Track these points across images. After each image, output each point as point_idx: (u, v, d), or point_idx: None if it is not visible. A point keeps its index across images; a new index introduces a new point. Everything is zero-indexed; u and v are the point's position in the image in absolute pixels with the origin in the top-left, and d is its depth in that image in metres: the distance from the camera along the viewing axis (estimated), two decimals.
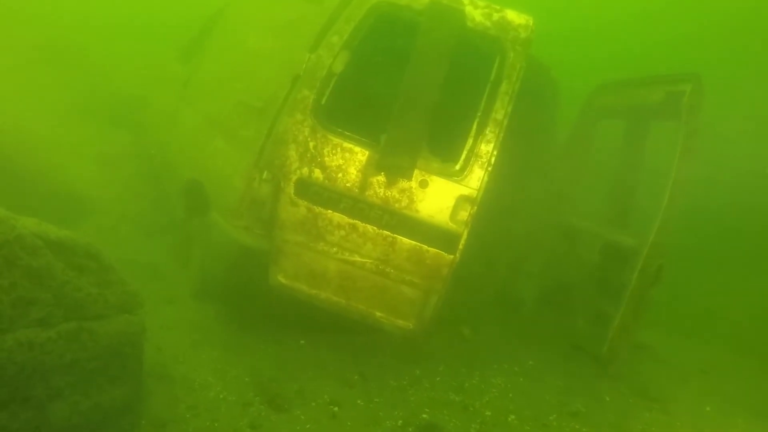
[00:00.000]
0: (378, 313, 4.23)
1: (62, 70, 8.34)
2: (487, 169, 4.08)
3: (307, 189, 4.09)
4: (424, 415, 4.07)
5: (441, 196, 4.06)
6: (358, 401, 4.07)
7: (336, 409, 3.92)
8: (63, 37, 9.10)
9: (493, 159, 4.09)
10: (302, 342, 4.57)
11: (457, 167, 4.10)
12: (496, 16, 4.20)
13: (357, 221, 4.09)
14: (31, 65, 7.92)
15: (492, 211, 4.47)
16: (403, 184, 4.05)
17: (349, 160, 4.07)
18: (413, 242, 4.10)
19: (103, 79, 8.74)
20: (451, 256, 4.10)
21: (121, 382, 3.29)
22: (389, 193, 4.06)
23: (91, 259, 3.21)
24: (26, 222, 2.90)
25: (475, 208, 4.07)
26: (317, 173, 4.08)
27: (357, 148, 4.08)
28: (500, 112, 4.12)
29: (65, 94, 7.84)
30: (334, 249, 4.13)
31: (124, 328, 3.27)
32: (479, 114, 4.16)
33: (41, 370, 2.82)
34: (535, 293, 6.24)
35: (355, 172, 4.06)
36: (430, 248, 4.10)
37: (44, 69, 8.09)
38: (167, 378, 3.77)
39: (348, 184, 4.07)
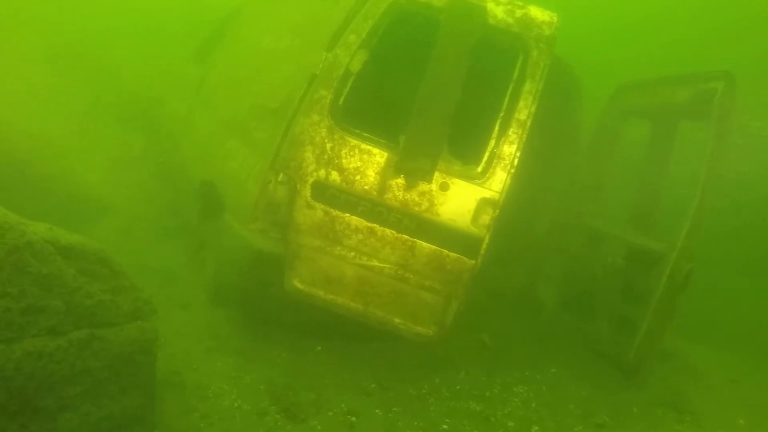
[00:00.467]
0: (396, 320, 4.10)
1: (76, 73, 8.32)
2: (509, 172, 3.96)
3: (324, 192, 3.97)
4: (445, 426, 3.94)
5: (462, 199, 3.93)
6: (377, 411, 3.94)
7: (354, 419, 3.79)
8: (77, 40, 9.09)
9: (516, 161, 3.97)
10: (318, 348, 4.45)
11: (479, 169, 3.98)
12: (519, 12, 4.08)
13: (375, 225, 3.97)
14: (45, 68, 7.91)
15: (512, 212, 4.33)
16: (423, 186, 3.93)
17: (367, 162, 3.95)
18: (433, 247, 3.98)
19: (117, 81, 8.71)
20: (473, 261, 3.97)
21: (133, 391, 3.20)
22: (409, 196, 3.94)
23: (102, 265, 3.13)
24: (37, 227, 2.82)
25: (497, 211, 3.95)
26: (334, 175, 3.96)
27: (375, 150, 3.95)
28: (523, 112, 4.00)
29: (79, 97, 7.82)
30: (352, 253, 4.01)
31: (137, 335, 3.18)
32: (502, 114, 4.04)
33: (51, 380, 2.74)
34: (556, 298, 6.07)
35: (373, 174, 3.94)
36: (450, 253, 3.98)
37: (58, 72, 8.07)
38: (180, 386, 3.68)
39: (366, 187, 3.94)
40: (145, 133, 7.67)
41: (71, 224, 4.85)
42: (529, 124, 4.00)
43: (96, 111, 7.69)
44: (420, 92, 3.86)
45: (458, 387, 4.44)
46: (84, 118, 7.35)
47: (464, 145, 4.07)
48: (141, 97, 8.41)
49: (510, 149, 3.97)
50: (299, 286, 4.05)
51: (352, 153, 3.97)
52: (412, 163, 3.89)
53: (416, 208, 3.94)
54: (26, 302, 2.65)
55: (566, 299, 5.97)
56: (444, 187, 3.94)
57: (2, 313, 2.56)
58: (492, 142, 4.01)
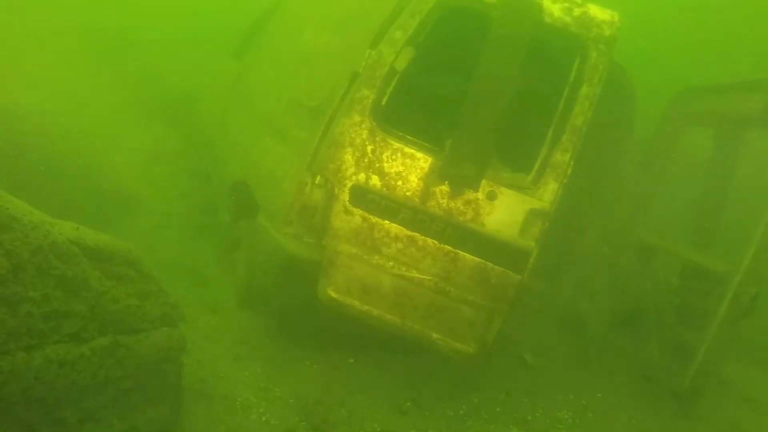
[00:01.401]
0: (435, 335, 3.86)
1: (115, 66, 8.34)
2: (562, 181, 3.67)
3: (363, 196, 3.76)
4: None
5: (510, 210, 3.67)
6: None
7: None
8: (116, 33, 9.12)
9: (569, 170, 3.68)
10: (351, 361, 4.24)
11: (530, 178, 3.72)
12: (577, 11, 3.79)
13: (416, 234, 3.74)
14: (85, 60, 7.92)
15: (558, 223, 4.05)
16: (469, 195, 3.68)
17: (410, 167, 3.72)
18: (477, 259, 3.72)
19: (156, 75, 8.69)
20: (519, 276, 3.71)
21: (159, 402, 3.05)
22: (453, 204, 3.69)
23: (130, 267, 2.98)
24: (62, 227, 2.67)
25: (548, 224, 3.67)
26: (375, 180, 3.74)
27: (419, 154, 3.72)
28: (579, 117, 3.72)
29: (117, 90, 7.82)
30: (390, 263, 3.78)
31: (163, 342, 3.04)
32: (556, 120, 3.76)
33: (72, 390, 2.59)
34: (603, 316, 5.72)
35: (416, 180, 3.71)
36: (495, 266, 3.71)
37: (98, 64, 8.09)
38: (207, 396, 3.52)
39: (408, 193, 3.71)
40: (181, 129, 7.61)
41: (103, 219, 4.78)
42: (584, 131, 3.71)
43: (132, 105, 7.67)
44: (469, 94, 3.61)
45: (498, 409, 4.17)
46: (120, 112, 7.32)
47: (514, 151, 3.81)
48: (178, 92, 8.36)
49: (563, 157, 3.69)
50: (334, 294, 3.84)
51: (394, 157, 3.74)
52: (458, 170, 3.65)
53: (461, 218, 3.70)
54: (49, 307, 2.51)
55: (614, 317, 5.63)
56: (491, 196, 3.68)
57: (24, 318, 2.42)
58: (544, 150, 3.75)
